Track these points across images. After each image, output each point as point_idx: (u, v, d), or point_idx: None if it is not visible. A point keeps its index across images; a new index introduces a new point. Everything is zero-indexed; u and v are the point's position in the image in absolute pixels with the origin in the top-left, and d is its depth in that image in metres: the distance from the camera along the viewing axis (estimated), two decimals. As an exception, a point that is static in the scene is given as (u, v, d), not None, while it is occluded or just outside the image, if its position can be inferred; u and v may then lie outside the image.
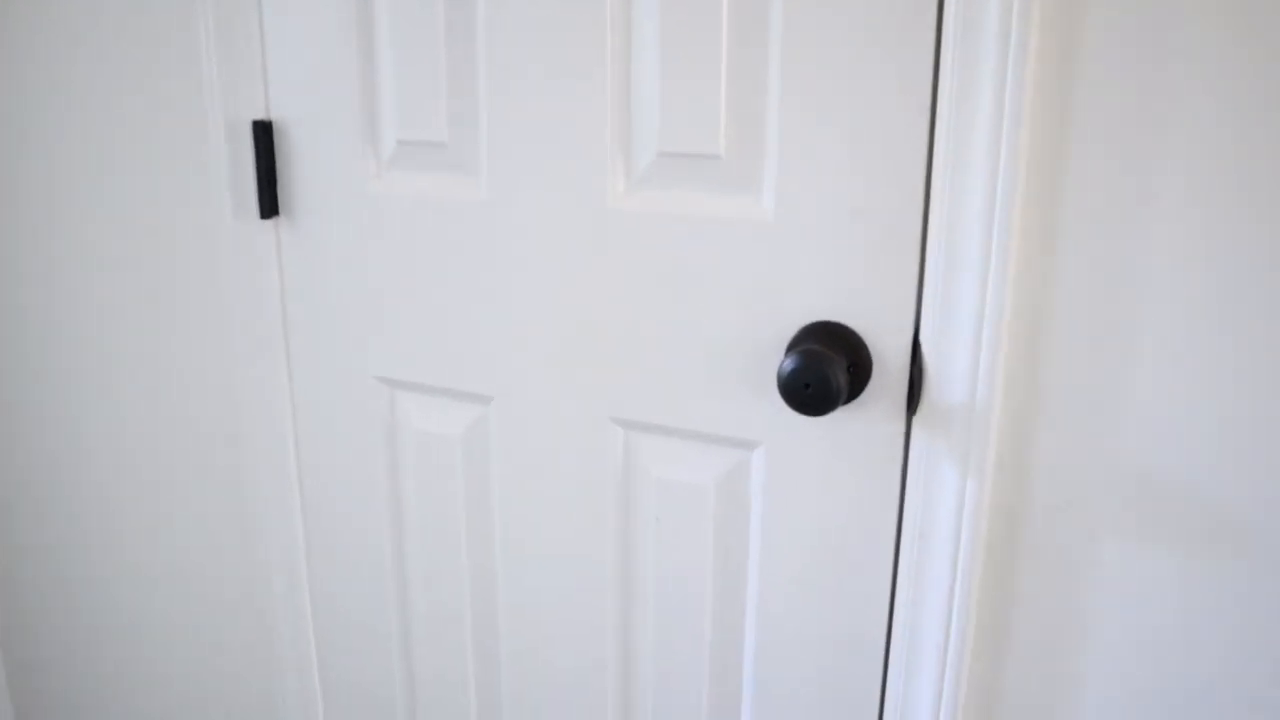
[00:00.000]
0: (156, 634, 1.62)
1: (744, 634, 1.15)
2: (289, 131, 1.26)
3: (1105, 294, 0.89)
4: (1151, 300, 0.88)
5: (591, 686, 1.26)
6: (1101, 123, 0.86)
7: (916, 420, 0.98)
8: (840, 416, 1.02)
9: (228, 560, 1.50)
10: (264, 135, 1.26)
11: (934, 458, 0.98)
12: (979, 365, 0.93)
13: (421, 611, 1.37)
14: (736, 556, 1.13)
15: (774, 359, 1.04)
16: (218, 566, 1.51)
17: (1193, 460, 0.89)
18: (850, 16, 0.93)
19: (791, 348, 1.01)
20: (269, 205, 1.28)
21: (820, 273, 0.99)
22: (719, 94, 1.00)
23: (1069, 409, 0.93)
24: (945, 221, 0.92)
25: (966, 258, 0.92)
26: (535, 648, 1.29)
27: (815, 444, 1.04)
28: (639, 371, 1.11)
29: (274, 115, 1.26)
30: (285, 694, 1.50)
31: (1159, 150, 0.84)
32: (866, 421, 1.01)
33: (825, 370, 0.93)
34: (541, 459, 1.20)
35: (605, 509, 1.18)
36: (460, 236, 1.17)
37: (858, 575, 1.06)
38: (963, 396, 0.95)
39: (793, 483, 1.06)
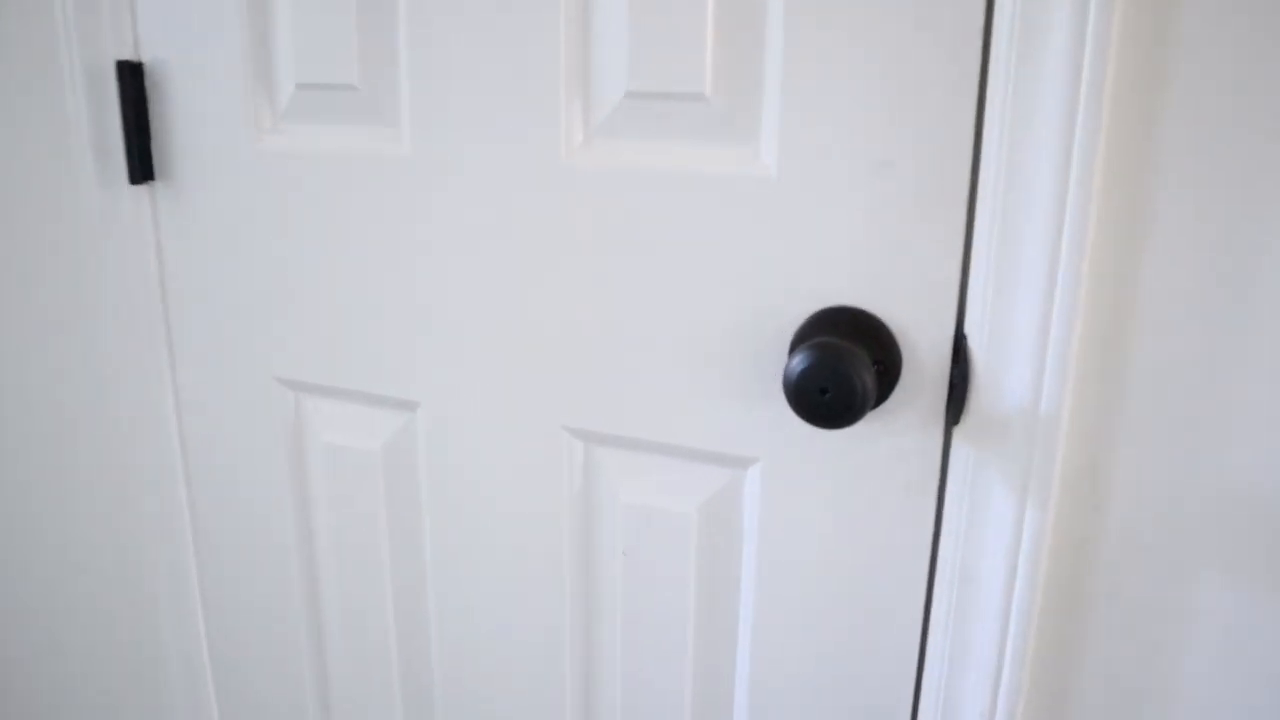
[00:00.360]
0: (34, 645, 1.36)
1: (733, 700, 0.93)
2: (163, 75, 1.01)
3: (1212, 269, 0.68)
4: (1275, 279, 0.67)
5: (545, 754, 1.03)
6: (1214, 29, 0.65)
7: (959, 433, 0.77)
8: (860, 428, 0.80)
9: (112, 583, 1.25)
10: (132, 80, 1.01)
11: (982, 480, 0.76)
12: (1045, 362, 0.72)
13: (341, 659, 1.13)
14: (725, 604, 0.91)
15: (775, 355, 0.82)
16: (101, 587, 1.26)
17: (1327, 484, 0.69)
18: (880, -95, 0.71)
19: (799, 341, 0.79)
20: (141, 167, 1.03)
21: (836, 244, 0.77)
22: (705, 15, 0.77)
23: (1160, 418, 0.72)
24: (1001, 176, 0.70)
25: (1029, 224, 0.70)
26: (478, 707, 1.06)
27: (826, 462, 0.82)
28: (602, 370, 0.88)
29: (144, 56, 1.01)
30: (178, 756, 1.26)
31: (1298, 76, 0.64)
32: (893, 434, 0.79)
33: (847, 370, 0.71)
34: (480, 480, 0.97)
35: (559, 541, 0.95)
36: (377, 203, 0.93)
37: (879, 628, 0.84)
38: (1022, 402, 0.73)
39: (797, 510, 0.85)
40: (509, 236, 0.88)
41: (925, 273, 0.75)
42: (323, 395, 1.04)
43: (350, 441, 1.03)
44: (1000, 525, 0.77)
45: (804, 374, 0.72)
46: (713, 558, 0.90)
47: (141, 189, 1.05)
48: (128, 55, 1.02)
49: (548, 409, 0.92)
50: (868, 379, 0.72)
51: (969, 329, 0.75)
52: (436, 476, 0.99)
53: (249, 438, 1.08)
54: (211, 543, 1.15)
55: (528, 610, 0.99)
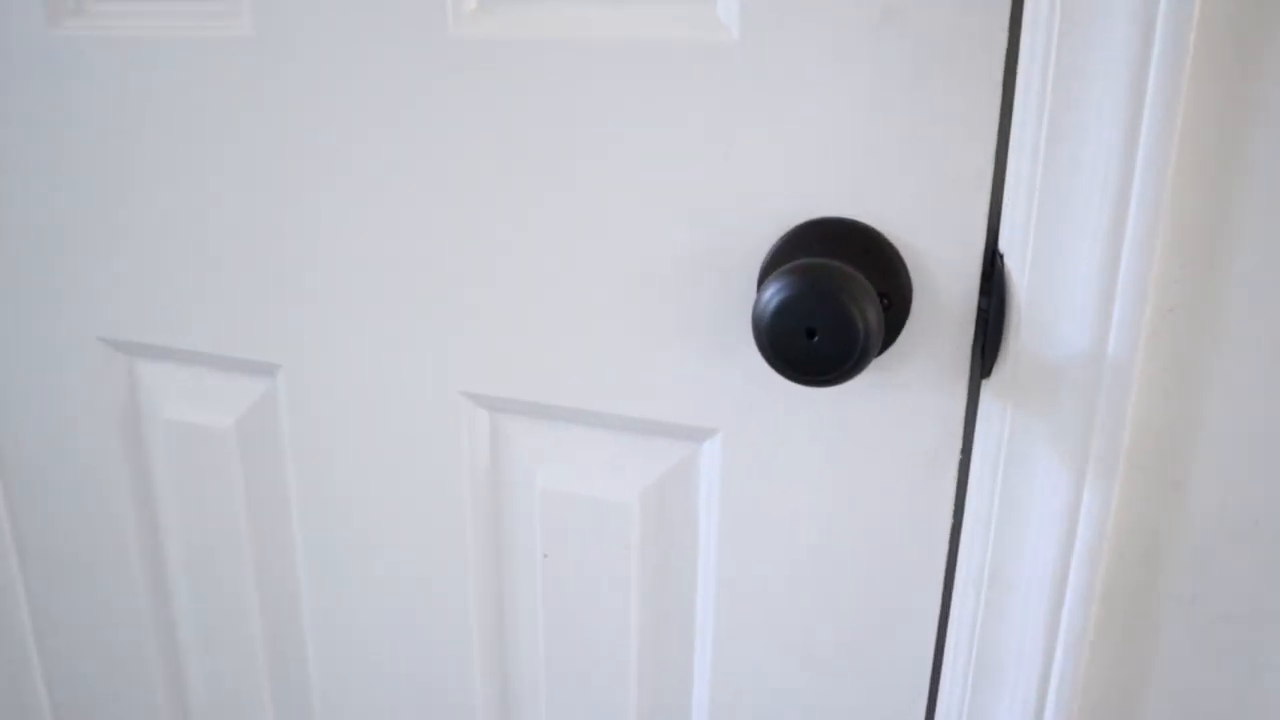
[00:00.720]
0: None
1: (691, 733, 0.72)
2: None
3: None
4: None
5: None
6: None
7: (990, 388, 0.57)
8: (855, 383, 0.60)
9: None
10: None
11: (1022, 451, 0.56)
12: (1114, 290, 0.52)
13: (201, 681, 0.91)
14: (678, 620, 0.70)
15: (740, 288, 0.60)
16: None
17: None
18: None
19: (773, 264, 0.58)
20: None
21: (820, 131, 0.56)
22: None
23: (1266, 368, 0.52)
24: (1053, 22, 0.49)
25: (1093, 92, 0.49)
26: (369, 745, 0.84)
27: (808, 431, 0.62)
28: (509, 315, 0.67)
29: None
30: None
31: None
32: (900, 390, 0.59)
33: (843, 300, 0.50)
34: (358, 463, 0.75)
35: (462, 540, 0.74)
36: (212, 103, 0.70)
37: (878, 646, 0.64)
38: (1080, 345, 0.53)
39: (770, 496, 0.64)
40: (384, 143, 0.66)
41: (944, 166, 0.54)
42: (161, 359, 0.81)
43: (198, 417, 0.81)
44: (1046, 512, 0.57)
45: (783, 308, 0.51)
46: (661, 561, 0.69)
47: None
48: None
49: (440, 369, 0.70)
50: (871, 313, 0.51)
51: (1005, 245, 0.54)
52: (305, 461, 0.77)
53: (70, 415, 0.85)
54: (36, 549, 0.92)
55: (425, 625, 0.78)
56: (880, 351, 0.58)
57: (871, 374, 0.59)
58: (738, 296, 0.60)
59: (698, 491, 0.66)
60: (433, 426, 0.71)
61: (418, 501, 0.74)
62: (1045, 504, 0.56)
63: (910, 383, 0.59)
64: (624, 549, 0.69)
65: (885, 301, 0.56)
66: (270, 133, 0.69)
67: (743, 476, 0.64)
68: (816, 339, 0.51)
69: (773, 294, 0.51)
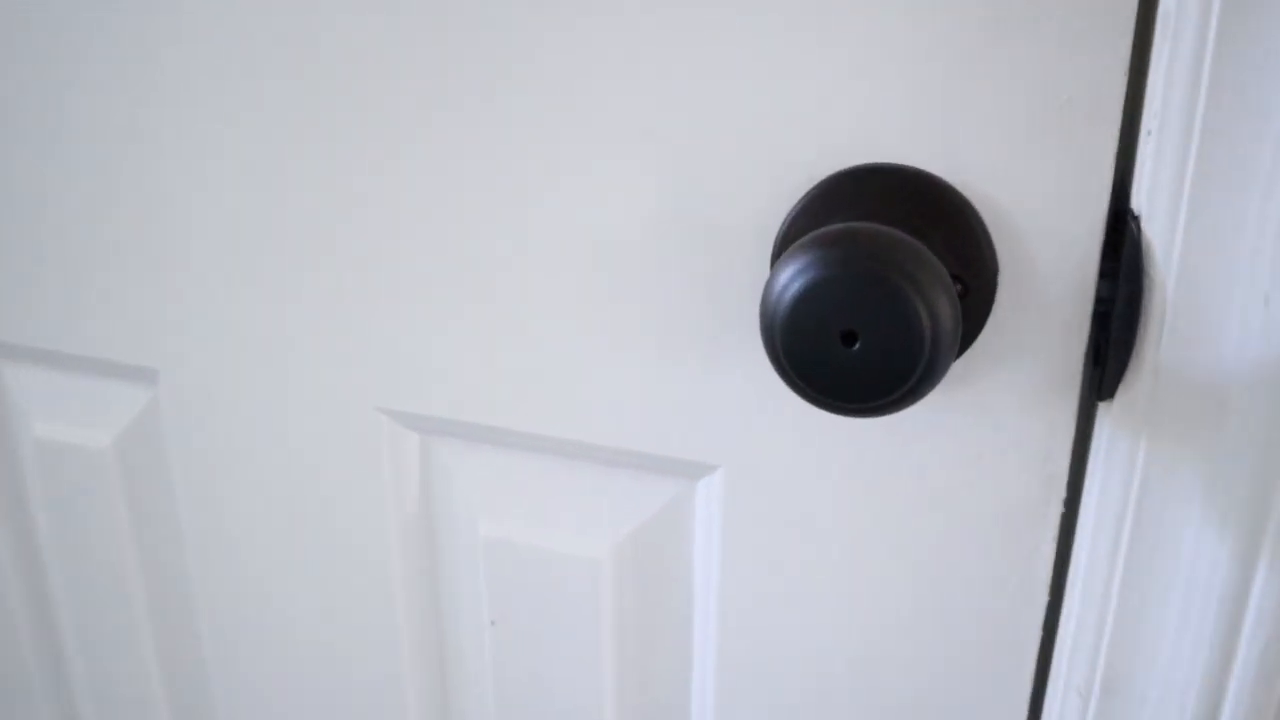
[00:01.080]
0: None
1: None
2: None
3: None
4: None
5: None
6: None
7: (1111, 414, 0.39)
8: (914, 407, 0.42)
9: None
10: None
11: (1159, 507, 0.38)
12: (1318, 266, 0.33)
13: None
14: (668, 707, 0.52)
15: (750, 261, 0.42)
16: None
17: None
18: None
19: (796, 233, 0.40)
20: None
21: (870, 46, 0.38)
22: None
23: None
24: None
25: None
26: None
27: (844, 467, 0.44)
28: (442, 310, 0.49)
29: None
30: None
31: None
32: (976, 414, 0.41)
33: (902, 291, 0.32)
34: (257, 492, 0.58)
35: (387, 594, 0.57)
36: (77, 31, 0.53)
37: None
38: (1260, 356, 0.35)
39: (790, 553, 0.46)
40: (278, 79, 0.48)
41: (1047, 83, 0.36)
42: (26, 363, 0.64)
43: (71, 435, 0.64)
44: (1195, 594, 0.38)
45: (806, 299, 0.33)
46: (643, 635, 0.52)
47: None
48: None
49: (351, 378, 0.52)
50: (943, 306, 0.33)
51: (1142, 202, 0.36)
52: (195, 489, 0.60)
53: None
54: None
55: (350, 705, 0.61)
56: (956, 356, 0.40)
57: (937, 392, 0.41)
58: (746, 279, 0.42)
59: (690, 546, 0.49)
60: (345, 452, 0.54)
61: (333, 545, 0.57)
62: (1194, 583, 0.38)
63: (991, 405, 0.41)
64: (593, 618, 0.51)
65: (960, 287, 0.38)
66: (135, 75, 0.51)
67: (752, 529, 0.46)
68: (858, 346, 0.33)
69: (791, 276, 0.34)
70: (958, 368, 0.40)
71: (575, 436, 0.48)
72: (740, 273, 0.42)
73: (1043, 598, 0.42)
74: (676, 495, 0.48)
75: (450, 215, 0.46)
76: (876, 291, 0.33)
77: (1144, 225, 0.36)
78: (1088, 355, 0.39)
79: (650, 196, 0.43)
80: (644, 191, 0.43)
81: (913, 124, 0.38)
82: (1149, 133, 0.35)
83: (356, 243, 0.49)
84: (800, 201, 0.40)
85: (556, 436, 0.49)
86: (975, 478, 0.42)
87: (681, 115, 0.41)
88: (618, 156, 0.42)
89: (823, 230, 0.34)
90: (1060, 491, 0.41)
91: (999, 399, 0.40)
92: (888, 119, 0.38)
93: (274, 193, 0.50)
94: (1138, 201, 0.36)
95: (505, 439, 0.51)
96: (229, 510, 0.59)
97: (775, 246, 0.41)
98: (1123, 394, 0.38)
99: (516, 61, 0.43)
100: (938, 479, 0.42)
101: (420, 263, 0.48)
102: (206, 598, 0.62)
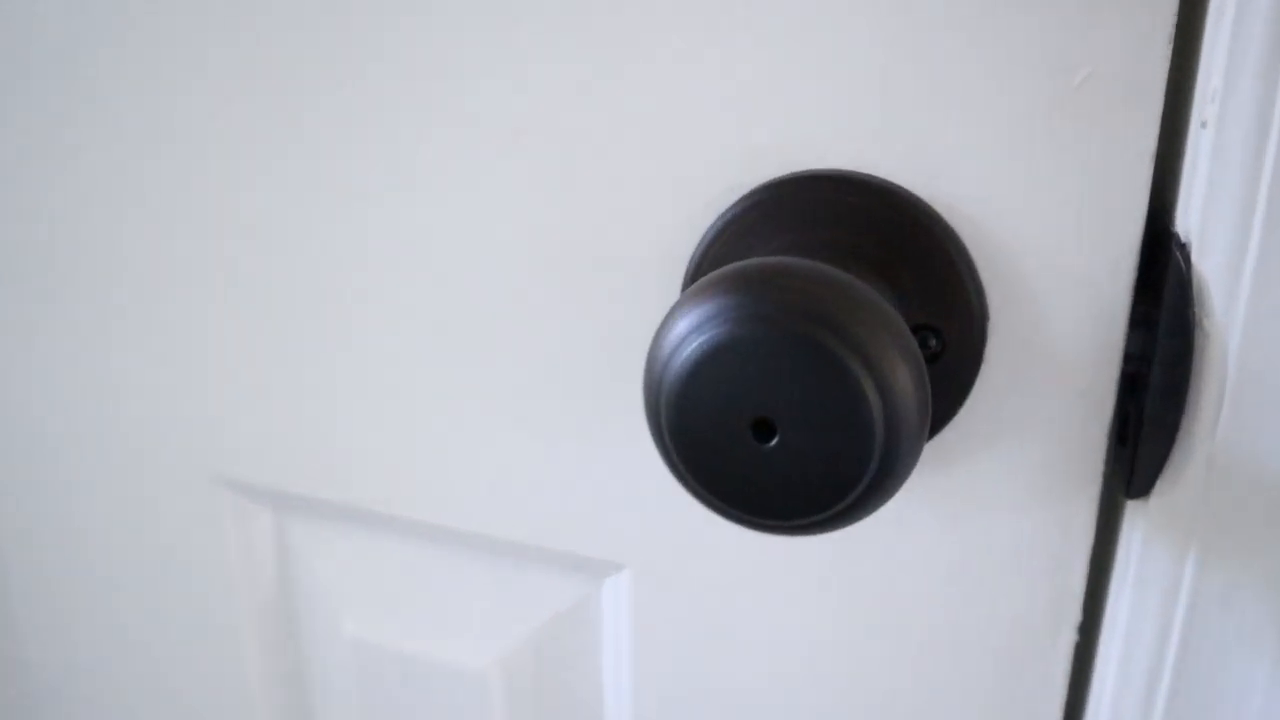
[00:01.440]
0: None
1: None
2: None
3: None
4: None
5: None
6: None
7: (1147, 516, 0.28)
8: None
9: None
10: None
11: (1219, 643, 0.27)
12: None
13: None
14: None
15: (660, 307, 0.32)
16: None
17: None
18: None
19: (707, 264, 0.29)
20: None
21: (812, 8, 0.27)
22: None
23: None
24: None
25: None
26: None
27: (776, 577, 0.33)
28: (293, 364, 0.38)
29: None
30: None
31: None
32: (958, 507, 0.30)
33: (838, 360, 0.22)
34: (91, 577, 0.47)
35: (246, 699, 0.46)
36: None
37: None
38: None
39: (718, 668, 0.35)
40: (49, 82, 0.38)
41: (1060, 60, 0.25)
42: None
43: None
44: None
45: (700, 371, 0.23)
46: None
47: None
48: None
49: (189, 443, 0.42)
50: (901, 380, 0.22)
51: (1189, 224, 0.25)
52: (27, 574, 0.49)
53: None
54: None
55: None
56: (928, 437, 0.29)
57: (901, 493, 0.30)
58: (653, 327, 0.32)
59: (597, 658, 0.38)
60: (184, 529, 0.43)
61: (183, 640, 0.46)
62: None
63: (979, 499, 0.30)
64: (482, 745, 0.41)
65: (935, 342, 0.27)
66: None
67: (670, 641, 0.36)
68: (777, 441, 0.23)
69: (682, 337, 0.23)
70: (931, 451, 0.29)
71: (452, 524, 0.38)
72: (647, 317, 0.32)
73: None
74: (578, 598, 0.37)
75: (297, 246, 0.36)
76: (803, 361, 0.22)
77: (1194, 256, 0.25)
78: (1112, 434, 0.28)
79: (525, 218, 0.32)
80: (517, 212, 0.32)
81: (871, 116, 0.27)
82: (1204, 124, 0.24)
83: (189, 277, 0.38)
84: (718, 221, 0.29)
85: (432, 523, 0.38)
86: (956, 595, 0.31)
87: (560, 104, 0.30)
88: (484, 166, 0.32)
89: (731, 269, 0.24)
90: (1074, 615, 0.30)
91: (989, 491, 0.30)
92: (838, 110, 0.27)
93: (79, 217, 0.39)
94: (1185, 223, 0.26)
95: (375, 524, 0.40)
96: (61, 595, 0.48)
97: (685, 282, 0.30)
98: (1163, 491, 0.27)
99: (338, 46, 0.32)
100: (905, 595, 0.31)
101: (267, 305, 0.37)
102: (49, 695, 0.52)
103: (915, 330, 0.28)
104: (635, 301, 0.31)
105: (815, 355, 0.22)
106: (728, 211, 0.29)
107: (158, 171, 0.37)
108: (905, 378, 0.23)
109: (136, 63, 0.35)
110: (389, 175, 0.33)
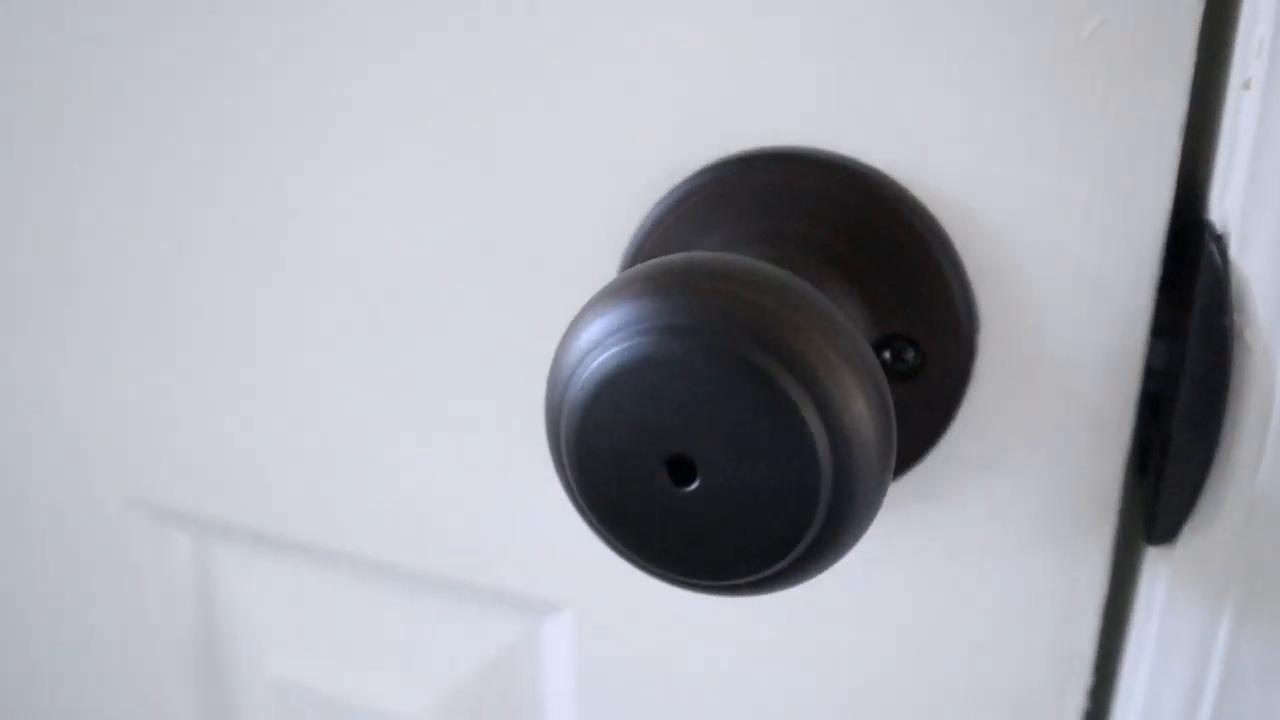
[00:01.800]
0: None
1: None
2: None
3: None
4: None
5: None
6: None
7: (1172, 565, 0.23)
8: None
9: None
10: None
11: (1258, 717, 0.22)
12: None
13: None
14: None
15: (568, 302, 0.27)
16: None
17: None
18: None
19: (643, 257, 0.24)
20: None
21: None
22: None
23: None
24: None
25: None
26: None
27: (728, 624, 0.28)
28: (205, 372, 0.34)
29: None
30: None
31: None
32: (941, 550, 0.25)
33: (773, 388, 0.17)
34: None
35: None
36: None
37: None
38: None
39: (664, 714, 0.31)
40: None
41: (1069, 9, 0.21)
42: None
43: None
44: None
45: (604, 396, 0.18)
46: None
47: None
48: None
49: (98, 463, 0.37)
50: (856, 411, 0.18)
51: (1226, 212, 0.20)
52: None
53: None
54: None
55: None
56: (899, 474, 0.24)
57: (879, 517, 0.25)
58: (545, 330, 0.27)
59: (539, 705, 0.34)
60: (93, 554, 0.39)
61: (100, 674, 0.42)
62: None
63: (966, 540, 0.25)
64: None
65: (911, 354, 0.23)
66: None
67: (616, 687, 0.31)
68: (698, 485, 0.18)
69: (585, 350, 0.18)
70: (911, 483, 0.25)
71: (381, 556, 0.33)
72: (548, 322, 0.27)
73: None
74: (517, 639, 0.33)
75: (210, 257, 0.31)
76: (728, 385, 0.17)
77: (1233, 250, 0.20)
78: (1130, 466, 0.23)
79: (444, 211, 0.27)
80: (433, 204, 0.27)
81: (834, 80, 0.22)
82: (1247, 85, 0.19)
83: (97, 281, 0.34)
84: (656, 208, 0.25)
85: (359, 554, 0.34)
86: (941, 652, 0.26)
87: (476, 73, 0.26)
88: (389, 150, 0.27)
89: (647, 266, 0.19)
90: (1083, 679, 0.25)
91: (980, 532, 0.25)
92: (794, 74, 0.23)
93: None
94: (1221, 210, 0.21)
95: (300, 553, 0.36)
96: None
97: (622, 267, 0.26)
98: (1192, 537, 0.22)
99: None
100: (879, 652, 0.27)
101: (181, 313, 0.33)
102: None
103: (889, 341, 0.23)
104: (571, 306, 0.27)
105: (744, 377, 0.17)
106: (668, 196, 0.24)
107: (43, 178, 0.32)
108: (860, 404, 0.18)
109: None
110: (299, 175, 0.29)
